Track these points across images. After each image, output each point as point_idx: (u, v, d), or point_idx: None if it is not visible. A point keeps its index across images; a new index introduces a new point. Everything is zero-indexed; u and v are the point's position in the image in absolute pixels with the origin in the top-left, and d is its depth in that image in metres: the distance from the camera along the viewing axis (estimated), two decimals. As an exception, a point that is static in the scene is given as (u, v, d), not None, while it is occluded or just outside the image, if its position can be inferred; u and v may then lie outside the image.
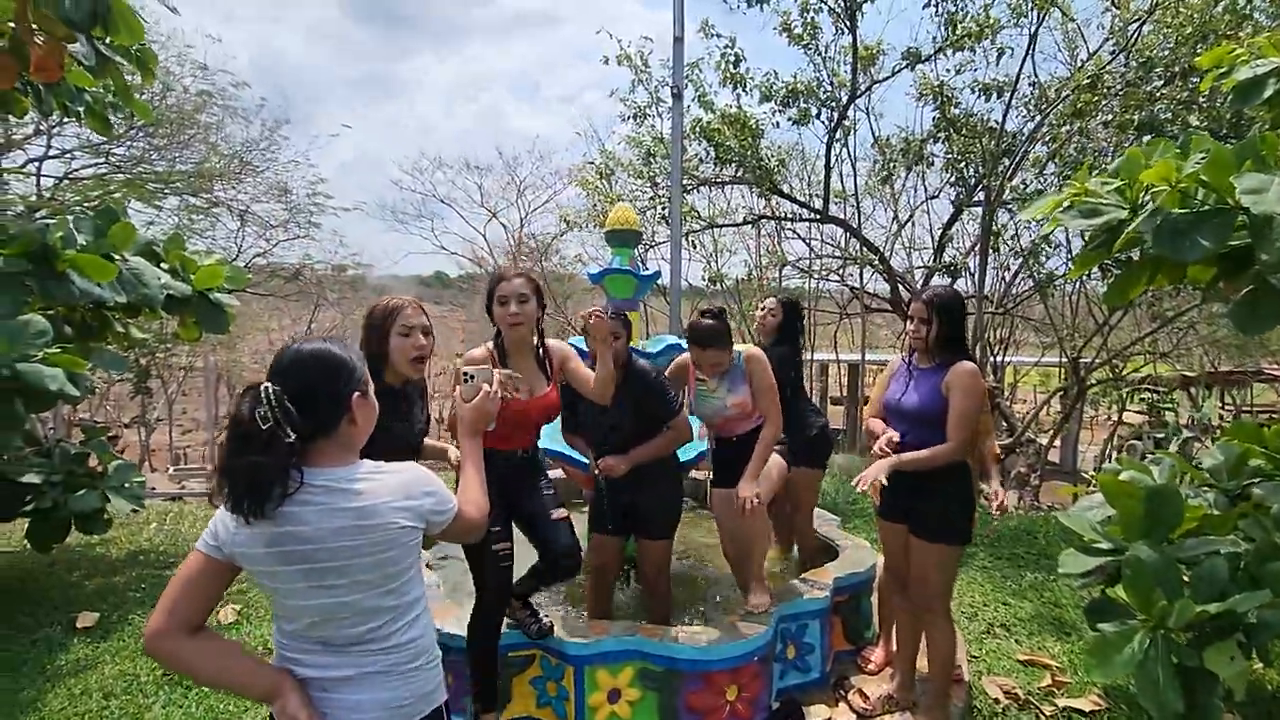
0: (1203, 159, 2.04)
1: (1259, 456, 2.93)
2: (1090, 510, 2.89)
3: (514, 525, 2.42)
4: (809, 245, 10.62)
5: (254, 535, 1.20)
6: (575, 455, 3.06)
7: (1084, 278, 7.46)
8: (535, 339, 2.39)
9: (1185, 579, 2.27)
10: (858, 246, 8.57)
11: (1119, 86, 5.67)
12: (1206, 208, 2.01)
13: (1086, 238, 2.58)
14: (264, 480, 1.16)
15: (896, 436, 2.43)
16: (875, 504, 2.66)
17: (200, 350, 12.83)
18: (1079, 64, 6.42)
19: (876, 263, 8.44)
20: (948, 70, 6.46)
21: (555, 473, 2.66)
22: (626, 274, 3.45)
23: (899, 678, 2.76)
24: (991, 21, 5.93)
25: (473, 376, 1.66)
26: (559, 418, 2.63)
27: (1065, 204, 2.42)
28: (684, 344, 3.26)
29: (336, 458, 1.27)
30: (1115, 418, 10.16)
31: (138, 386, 9.31)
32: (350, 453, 1.30)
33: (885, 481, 2.31)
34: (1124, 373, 9.21)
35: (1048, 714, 2.88)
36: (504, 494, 2.33)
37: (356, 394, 1.29)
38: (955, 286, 8.43)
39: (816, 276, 10.05)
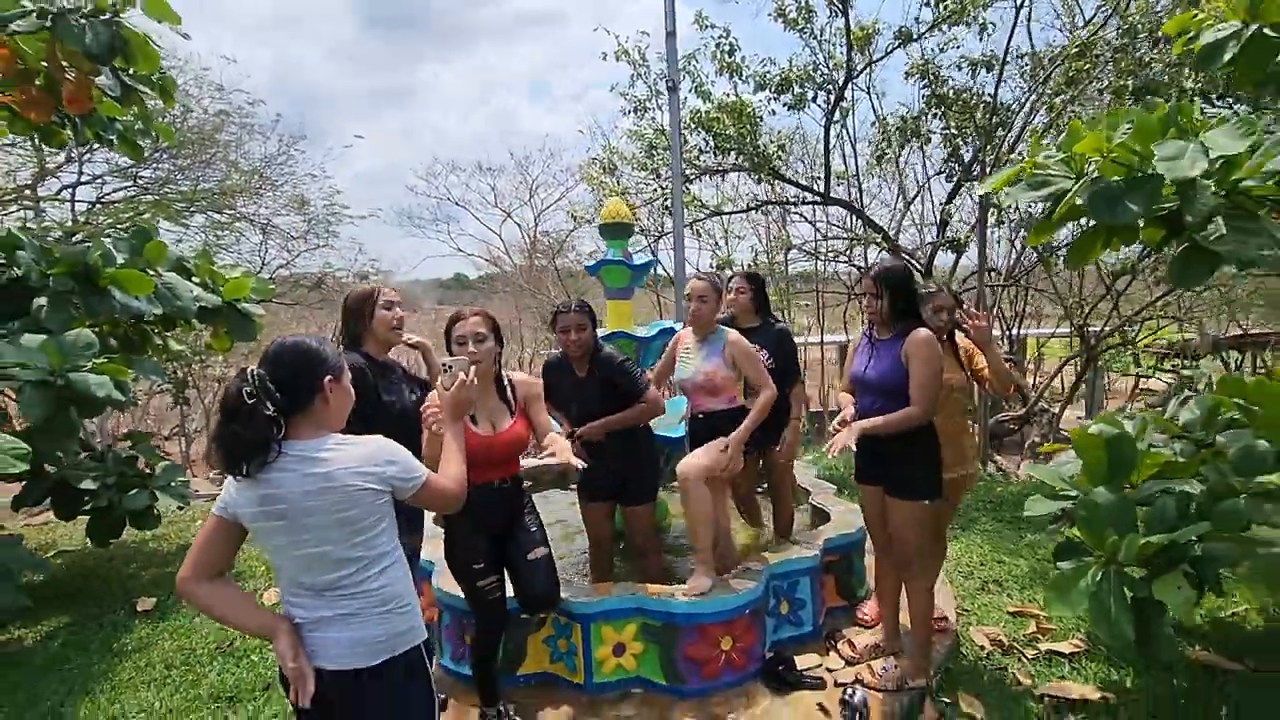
0: (1128, 129, 2.19)
1: (1230, 408, 3.06)
2: (1065, 464, 3.05)
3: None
4: (815, 227, 10.71)
5: (248, 497, 1.48)
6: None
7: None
8: (497, 372, 2.42)
9: (1142, 521, 2.44)
10: (862, 226, 8.66)
11: (1109, 53, 5.71)
12: (1139, 174, 2.17)
13: (1043, 208, 2.74)
14: (244, 447, 1.44)
15: (850, 412, 2.62)
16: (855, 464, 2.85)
17: (233, 360, 13.35)
18: (1074, 32, 6.46)
19: (880, 241, 8.53)
20: (933, 49, 6.53)
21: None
22: (620, 265, 3.67)
23: (885, 628, 2.96)
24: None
25: (451, 368, 1.91)
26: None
27: (1017, 177, 2.59)
28: (677, 328, 3.49)
29: (311, 432, 1.53)
30: (1132, 385, 10.11)
31: (176, 398, 9.75)
32: (324, 429, 1.56)
33: (854, 447, 2.50)
34: (1139, 339, 9.19)
35: (1029, 657, 3.06)
36: (487, 528, 2.43)
37: (329, 378, 1.55)
38: (960, 259, 8.51)
39: (823, 258, 10.15)
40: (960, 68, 6.24)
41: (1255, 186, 2.15)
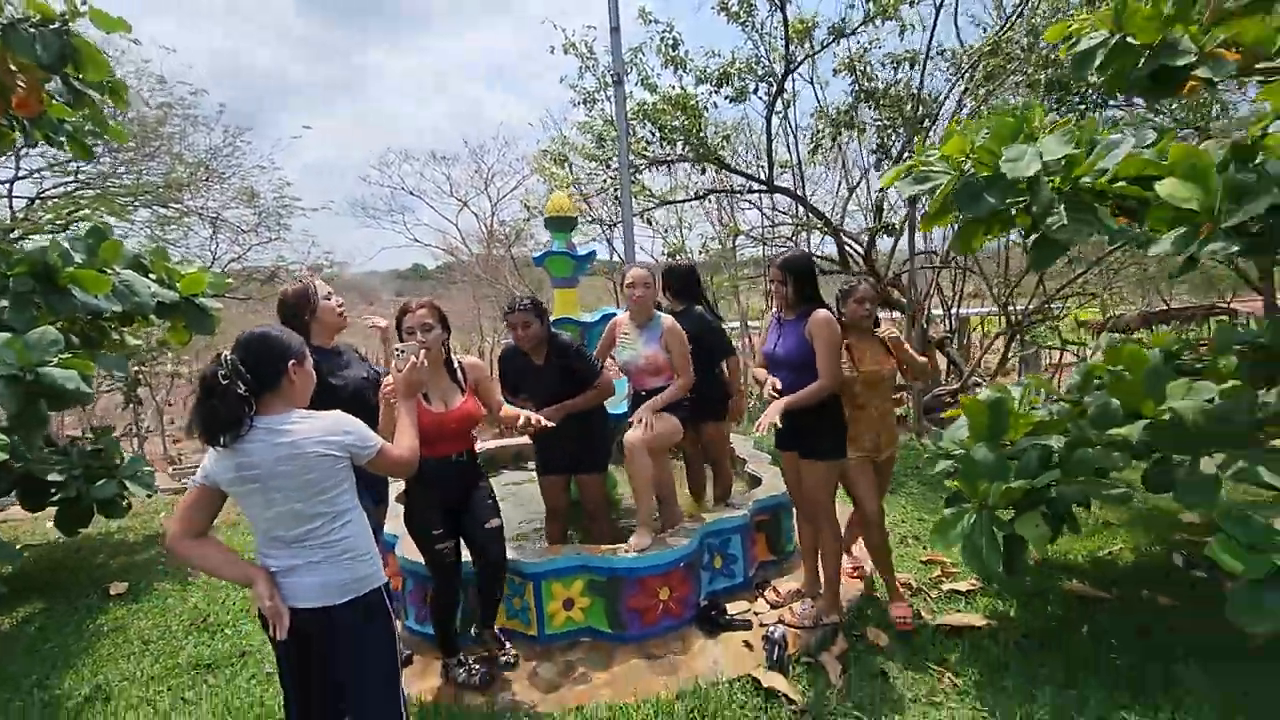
0: (987, 133, 2.56)
1: (1102, 371, 3.50)
2: (959, 428, 3.46)
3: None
4: (764, 214, 11.10)
5: (225, 465, 1.74)
6: None
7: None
8: (446, 356, 2.67)
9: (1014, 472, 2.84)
10: (805, 213, 9.07)
11: (1019, 51, 6.17)
12: (993, 172, 2.54)
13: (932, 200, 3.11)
14: (220, 421, 1.70)
15: (778, 384, 2.96)
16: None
17: (185, 358, 13.18)
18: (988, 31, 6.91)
19: (823, 227, 8.96)
20: (859, 47, 6.92)
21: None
22: (564, 256, 3.95)
23: (805, 575, 3.34)
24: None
25: (402, 353, 2.19)
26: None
27: (907, 172, 2.95)
28: (618, 312, 3.79)
29: (279, 408, 1.79)
30: (1057, 359, 10.81)
31: (128, 396, 9.66)
32: (289, 405, 1.82)
33: (779, 423, 2.82)
34: (1067, 315, 9.87)
35: (934, 596, 3.48)
36: (445, 499, 2.70)
37: (293, 362, 1.82)
38: (898, 243, 8.98)
39: (770, 244, 10.55)
40: (884, 65, 6.65)
41: (1093, 183, 2.54)
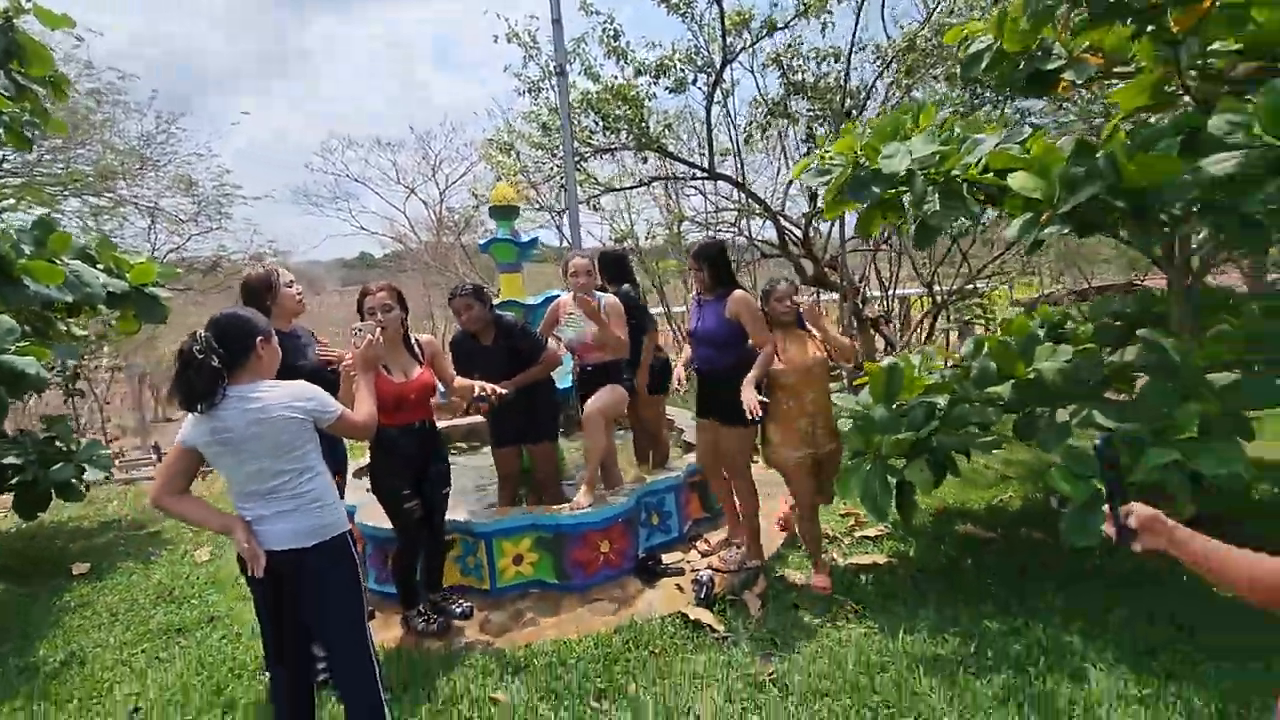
0: (870, 132, 2.95)
1: (991, 341, 3.98)
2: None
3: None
4: (708, 200, 11.47)
5: (201, 430, 1.99)
6: None
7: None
8: (405, 334, 2.95)
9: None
10: (746, 199, 9.47)
11: (932, 48, 6.65)
12: (876, 167, 2.93)
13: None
14: (196, 391, 1.95)
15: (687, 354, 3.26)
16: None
17: (124, 352, 12.86)
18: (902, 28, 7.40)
19: (762, 213, 9.37)
20: (786, 42, 7.32)
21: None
22: (508, 243, 4.21)
23: (729, 527, 3.73)
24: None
25: (361, 331, 2.46)
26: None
27: (811, 164, 3.32)
28: (562, 294, 4.09)
29: (248, 379, 2.04)
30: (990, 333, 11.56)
31: (68, 390, 9.47)
32: (259, 377, 2.06)
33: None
34: (987, 294, 10.55)
35: (847, 543, 3.92)
36: (410, 463, 2.99)
37: (260, 339, 2.07)
38: (833, 227, 9.46)
39: (714, 229, 10.94)
40: (808, 59, 7.06)
41: (964, 174, 2.95)
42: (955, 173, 2.91)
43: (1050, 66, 3.67)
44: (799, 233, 9.43)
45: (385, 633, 3.13)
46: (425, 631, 3.09)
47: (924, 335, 9.98)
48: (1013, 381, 3.24)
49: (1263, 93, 2.25)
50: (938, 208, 2.86)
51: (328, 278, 22.84)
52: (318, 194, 21.48)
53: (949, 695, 2.39)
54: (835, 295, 9.28)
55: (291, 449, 2.05)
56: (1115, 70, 3.74)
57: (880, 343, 10.25)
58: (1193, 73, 3.42)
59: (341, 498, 3.31)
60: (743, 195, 9.62)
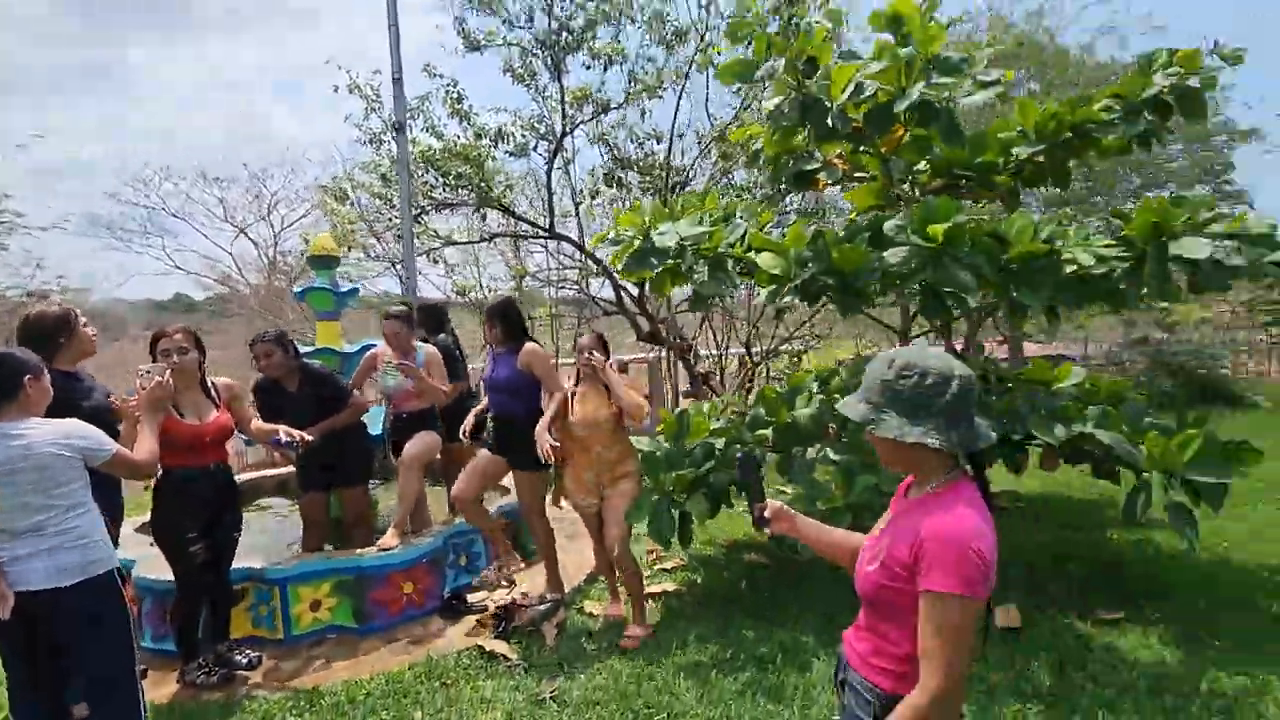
0: (649, 213, 3.47)
1: (772, 392, 4.60)
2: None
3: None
4: (551, 256, 11.93)
5: None
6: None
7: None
8: (202, 376, 2.96)
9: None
10: (582, 258, 10.02)
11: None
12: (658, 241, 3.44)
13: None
14: None
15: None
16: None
17: None
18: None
19: (600, 272, 9.95)
20: (611, 123, 8.12)
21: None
22: (325, 291, 4.28)
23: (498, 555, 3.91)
24: (652, 85, 7.66)
25: (149, 372, 2.49)
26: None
27: (608, 234, 3.80)
28: (377, 344, 4.20)
29: (16, 416, 2.05)
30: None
31: None
32: (26, 414, 2.07)
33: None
34: (798, 354, 11.83)
35: (647, 574, 4.27)
36: (206, 506, 2.96)
37: (29, 377, 2.09)
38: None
39: (558, 285, 11.40)
40: (632, 140, 7.88)
41: (728, 251, 3.54)
42: (721, 250, 3.49)
43: (810, 167, 4.50)
44: (635, 291, 10.13)
45: (158, 690, 2.98)
46: (204, 684, 2.98)
47: (747, 391, 10.97)
48: (773, 426, 3.82)
49: (916, 207, 3.01)
50: (706, 278, 3.41)
51: (131, 319, 20.47)
52: (125, 227, 19.41)
53: (700, 693, 2.76)
54: (665, 351, 9.98)
55: (59, 484, 2.05)
56: (856, 175, 4.64)
57: (711, 396, 11.14)
58: (905, 185, 4.37)
59: (116, 548, 3.18)
60: (582, 255, 10.19)
